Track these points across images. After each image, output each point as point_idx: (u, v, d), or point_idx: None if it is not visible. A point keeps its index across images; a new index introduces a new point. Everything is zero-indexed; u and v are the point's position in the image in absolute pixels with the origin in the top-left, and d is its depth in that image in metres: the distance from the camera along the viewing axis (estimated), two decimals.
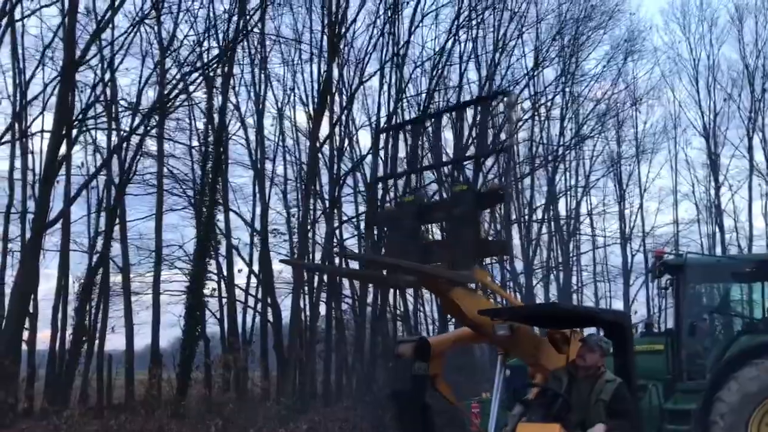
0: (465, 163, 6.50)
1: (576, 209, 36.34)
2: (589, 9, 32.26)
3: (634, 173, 38.37)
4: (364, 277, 8.91)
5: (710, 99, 37.41)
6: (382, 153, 22.75)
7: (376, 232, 6.47)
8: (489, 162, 19.83)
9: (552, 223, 34.53)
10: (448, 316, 20.75)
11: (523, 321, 6.45)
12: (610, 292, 39.16)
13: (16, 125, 21.20)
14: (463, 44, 28.13)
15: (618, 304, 37.31)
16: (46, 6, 20.61)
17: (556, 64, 32.54)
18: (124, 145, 21.32)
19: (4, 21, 18.92)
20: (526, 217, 33.52)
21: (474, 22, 27.88)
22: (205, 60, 22.15)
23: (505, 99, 6.02)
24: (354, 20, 25.28)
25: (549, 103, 33.02)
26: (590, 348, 6.17)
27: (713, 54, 37.70)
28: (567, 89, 33.27)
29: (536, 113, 32.31)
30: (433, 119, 6.49)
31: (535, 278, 33.74)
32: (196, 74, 22.14)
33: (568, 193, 36.05)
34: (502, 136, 5.98)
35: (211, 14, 22.71)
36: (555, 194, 34.37)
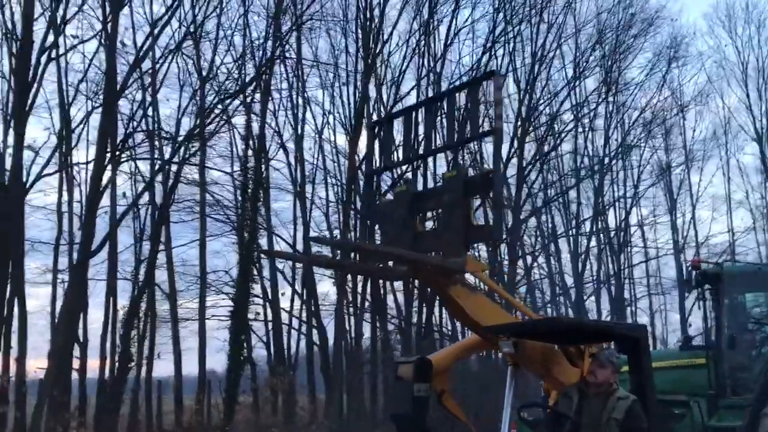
0: (457, 147, 6.25)
1: (625, 220, 35.46)
2: (629, 17, 31.69)
3: (684, 182, 37.39)
4: (349, 268, 8.65)
5: (762, 102, 36.28)
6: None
7: (373, 225, 6.23)
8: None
9: (601, 235, 33.75)
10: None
11: (529, 337, 6.21)
12: (665, 305, 38.09)
13: (62, 157, 21.77)
14: (499, 58, 28.06)
15: (674, 317, 36.23)
16: (86, 41, 21.18)
17: (597, 74, 32.05)
18: (166, 172, 21.70)
19: (44, 57, 19.45)
20: (574, 230, 32.85)
21: (510, 35, 27.74)
22: (243, 85, 22.43)
23: (493, 80, 5.76)
24: (389, 39, 25.48)
25: (591, 114, 32.46)
26: (601, 364, 5.85)
27: (762, 56, 36.60)
28: (610, 98, 32.62)
29: (579, 124, 31.82)
30: (423, 108, 6.26)
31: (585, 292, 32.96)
32: (234, 100, 22.52)
33: (617, 204, 35.21)
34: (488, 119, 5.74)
35: (247, 40, 23.15)
36: (602, 206, 33.60)
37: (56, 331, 18.19)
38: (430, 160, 14.90)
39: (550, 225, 34.61)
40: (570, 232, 33.31)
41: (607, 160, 33.19)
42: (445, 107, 6.06)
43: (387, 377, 25.15)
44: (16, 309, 19.09)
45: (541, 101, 30.55)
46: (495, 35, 27.03)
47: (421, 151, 6.30)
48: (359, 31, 25.06)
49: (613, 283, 34.08)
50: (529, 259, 32.06)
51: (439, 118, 6.22)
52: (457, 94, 6.02)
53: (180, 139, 21.41)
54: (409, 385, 6.10)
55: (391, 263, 6.19)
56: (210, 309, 24.12)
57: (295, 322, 26.04)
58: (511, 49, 28.33)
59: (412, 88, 26.45)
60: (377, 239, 6.43)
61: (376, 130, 6.55)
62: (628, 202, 35.43)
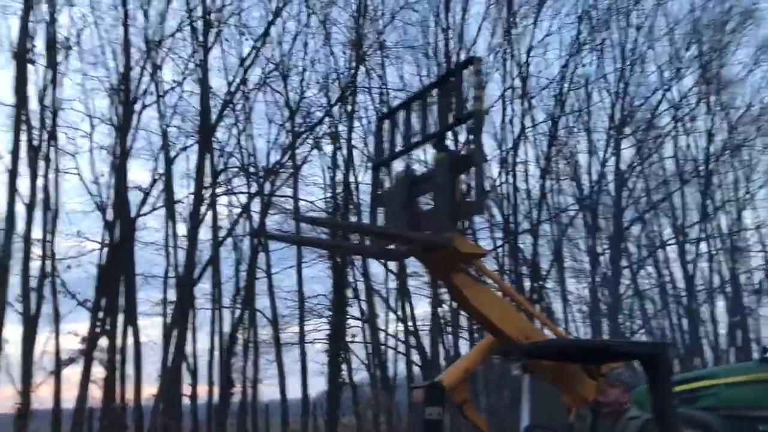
0: (447, 132, 6.34)
1: (738, 223, 33.47)
2: (725, 12, 30.18)
3: None
4: (346, 249, 8.65)
5: None
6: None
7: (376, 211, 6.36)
8: None
9: (709, 240, 32.03)
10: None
11: (547, 358, 6.01)
12: None
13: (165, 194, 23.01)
14: (587, 65, 27.51)
15: None
16: (180, 83, 22.35)
17: (694, 73, 30.67)
18: (261, 202, 22.48)
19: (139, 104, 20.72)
20: (681, 237, 31.35)
21: (596, 42, 27.15)
22: (328, 109, 23.09)
23: (472, 66, 5.80)
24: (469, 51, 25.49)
25: (691, 115, 31.02)
26: (611, 383, 5.65)
27: None
28: (711, 97, 31.07)
29: (678, 125, 30.49)
30: (419, 99, 6.38)
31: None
32: (321, 126, 23.19)
33: (726, 207, 33.32)
34: (471, 103, 5.72)
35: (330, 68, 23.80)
36: (709, 210, 31.92)
37: (164, 359, 19.09)
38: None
39: (657, 232, 33.29)
40: (678, 238, 31.79)
41: (712, 161, 31.49)
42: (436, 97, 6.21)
43: (489, 394, 24.83)
44: (130, 339, 20.33)
45: (635, 104, 29.55)
46: (580, 43, 26.41)
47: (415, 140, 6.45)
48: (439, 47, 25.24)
49: (728, 290, 32.16)
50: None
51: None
52: (445, 83, 6.13)
53: (272, 168, 22.11)
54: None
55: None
56: (312, 333, 24.69)
57: (395, 343, 26.09)
58: (598, 55, 27.58)
59: (497, 100, 26.35)
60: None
61: (383, 123, 6.71)
62: (741, 203, 33.46)
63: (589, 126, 29.36)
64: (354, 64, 22.70)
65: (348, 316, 23.52)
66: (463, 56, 25.31)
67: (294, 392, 24.22)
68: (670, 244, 32.71)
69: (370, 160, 25.69)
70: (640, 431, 5.46)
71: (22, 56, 18.75)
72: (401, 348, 25.56)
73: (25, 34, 18.97)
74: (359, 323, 24.77)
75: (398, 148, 6.46)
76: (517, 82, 26.82)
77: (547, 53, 33.22)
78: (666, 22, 29.99)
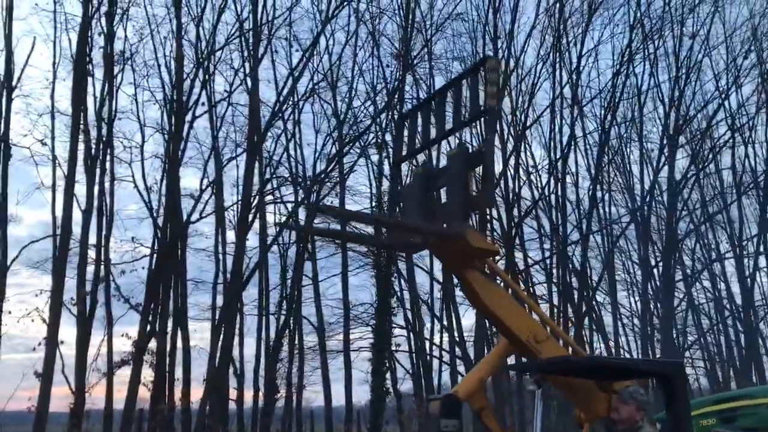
0: (461, 129, 6.54)
1: None
2: None
3: None
4: (369, 241, 8.89)
5: None
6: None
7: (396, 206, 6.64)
8: None
9: None
10: None
11: (562, 374, 5.96)
12: None
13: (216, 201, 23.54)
14: (638, 76, 27.12)
15: None
16: (230, 93, 22.89)
17: (753, 81, 29.83)
18: (306, 210, 22.81)
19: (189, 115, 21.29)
20: (738, 249, 30.43)
21: (649, 50, 26.71)
22: (375, 115, 23.30)
23: (487, 64, 5.88)
24: (518, 61, 25.42)
25: (751, 123, 30.16)
26: (623, 400, 5.57)
27: None
28: None
29: (736, 134, 29.66)
30: (436, 99, 6.53)
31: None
32: (368, 134, 23.42)
33: None
34: (486, 100, 5.80)
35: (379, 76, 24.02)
36: None
37: (211, 363, 19.48)
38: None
39: (713, 244, 32.43)
40: (736, 251, 30.87)
41: None
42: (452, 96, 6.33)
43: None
44: (179, 343, 20.84)
45: (691, 112, 28.90)
46: (632, 50, 26.00)
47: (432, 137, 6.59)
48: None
49: None
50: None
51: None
52: (462, 82, 6.26)
53: (318, 177, 22.41)
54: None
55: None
56: (357, 341, 24.85)
57: (440, 352, 26.04)
58: (651, 63, 27.10)
59: (546, 109, 26.21)
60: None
61: (405, 121, 6.89)
62: None
63: (642, 135, 28.87)
64: (400, 74, 22.81)
65: (393, 325, 23.63)
66: (512, 65, 25.27)
67: (338, 399, 24.48)
68: (727, 258, 31.85)
69: (415, 167, 25.86)
70: None
71: (80, 68, 19.48)
72: (446, 358, 25.53)
73: (83, 47, 19.70)
74: (404, 332, 24.90)
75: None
76: (567, 91, 26.64)
77: (599, 62, 32.95)
78: (723, 30, 29.32)
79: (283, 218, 22.98)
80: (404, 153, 6.84)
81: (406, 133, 6.86)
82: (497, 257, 24.76)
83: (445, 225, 5.76)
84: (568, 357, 6.11)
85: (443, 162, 6.59)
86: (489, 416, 6.37)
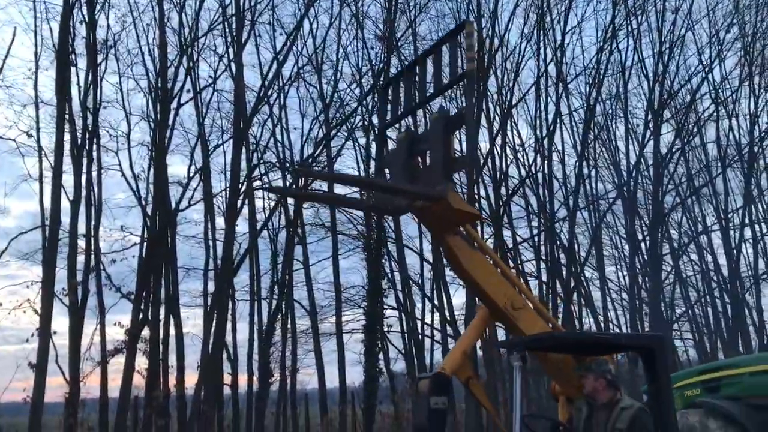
0: (442, 94, 6.80)
1: None
2: None
3: None
4: (353, 204, 9.21)
5: None
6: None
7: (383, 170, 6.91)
8: None
9: (754, 226, 31.35)
10: None
11: (541, 350, 6.13)
12: None
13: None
14: (623, 52, 27.22)
15: None
16: (215, 80, 22.85)
17: (736, 54, 30.02)
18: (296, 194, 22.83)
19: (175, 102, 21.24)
20: (723, 222, 30.77)
21: (633, 26, 26.82)
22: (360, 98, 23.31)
23: (465, 29, 6.08)
24: (502, 39, 25.49)
25: (734, 96, 30.39)
26: (592, 374, 5.82)
27: None
28: (754, 79, 30.35)
29: (719, 108, 29.89)
30: (417, 65, 6.73)
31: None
32: (355, 117, 23.46)
33: None
34: (465, 64, 6.01)
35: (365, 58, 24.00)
36: (753, 195, 31.23)
37: (205, 349, 19.61)
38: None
39: (700, 217, 32.79)
40: (721, 223, 31.22)
41: (756, 144, 30.80)
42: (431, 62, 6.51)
43: (530, 381, 24.86)
44: (172, 330, 20.96)
45: (675, 87, 29.09)
46: (615, 26, 26.09)
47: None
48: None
49: None
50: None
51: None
52: (442, 48, 6.44)
53: (305, 161, 22.44)
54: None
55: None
56: (349, 323, 25.05)
57: (432, 332, 26.30)
58: (635, 39, 27.21)
59: (531, 87, 26.33)
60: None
61: (388, 89, 7.07)
62: None
63: (627, 110, 29.05)
64: (385, 55, 22.83)
65: (385, 306, 23.84)
66: (496, 43, 25.30)
67: (332, 381, 24.73)
68: (713, 230, 32.23)
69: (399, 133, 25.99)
70: (632, 420, 5.56)
71: (63, 58, 19.36)
72: (438, 337, 25.78)
73: (65, 36, 19.57)
74: (396, 313, 25.10)
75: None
76: (552, 69, 26.74)
77: (582, 39, 33.02)
78: (706, 3, 29.44)
79: (272, 204, 23.04)
80: (388, 120, 7.03)
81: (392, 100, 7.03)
82: (481, 223, 25.10)
83: (427, 185, 5.91)
84: (552, 333, 6.27)
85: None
86: (476, 385, 6.57)
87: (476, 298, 7.25)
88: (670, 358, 6.01)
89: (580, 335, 7.62)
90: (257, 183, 22.76)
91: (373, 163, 23.26)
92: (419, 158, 6.25)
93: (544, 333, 6.12)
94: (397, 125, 7.31)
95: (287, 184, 22.93)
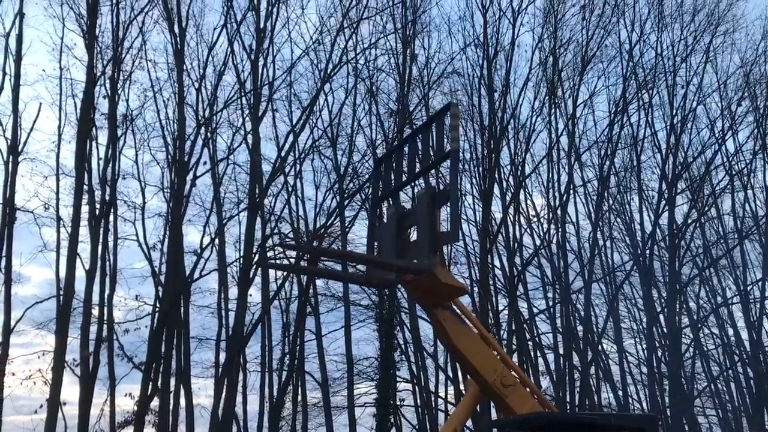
0: (428, 171, 7.04)
1: None
2: None
3: None
4: (343, 277, 9.42)
5: None
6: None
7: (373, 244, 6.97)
8: None
9: None
10: None
11: (531, 430, 6.06)
12: None
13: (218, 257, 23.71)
14: (634, 125, 27.57)
15: None
16: (231, 153, 23.32)
17: (749, 127, 30.18)
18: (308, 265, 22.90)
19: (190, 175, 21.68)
20: (743, 294, 30.26)
21: (643, 100, 27.20)
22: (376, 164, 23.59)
23: (450, 111, 6.32)
24: (513, 113, 25.86)
25: (749, 168, 30.38)
26: None
27: None
28: None
29: (734, 180, 29.84)
30: (407, 145, 6.99)
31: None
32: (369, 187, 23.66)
33: None
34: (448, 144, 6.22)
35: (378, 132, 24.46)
36: None
37: (214, 420, 19.37)
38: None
39: (719, 289, 32.28)
40: (741, 295, 30.69)
41: None
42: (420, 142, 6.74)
43: None
44: (183, 401, 20.76)
45: (689, 159, 29.20)
46: (626, 100, 26.45)
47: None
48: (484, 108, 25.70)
49: None
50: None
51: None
52: (430, 128, 6.68)
53: (318, 231, 22.61)
54: None
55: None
56: (362, 397, 24.65)
57: (446, 406, 25.74)
58: (646, 112, 27.53)
59: (543, 158, 26.56)
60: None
61: (381, 166, 7.28)
62: None
63: (641, 182, 29.11)
64: (397, 129, 23.22)
65: (398, 379, 23.47)
66: (507, 117, 25.68)
67: None
68: (733, 303, 31.66)
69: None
70: None
71: (84, 132, 19.95)
72: (447, 410, 25.24)
73: (87, 111, 20.22)
74: (409, 386, 24.67)
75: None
76: (564, 140, 27.02)
77: (594, 112, 33.45)
78: (716, 78, 29.82)
79: (285, 274, 23.08)
80: (380, 195, 7.25)
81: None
82: (496, 294, 24.82)
83: (415, 261, 6.01)
84: (543, 413, 6.19)
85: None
86: None
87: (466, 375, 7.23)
88: None
89: (571, 416, 7.51)
90: (271, 253, 22.89)
91: None
92: (407, 232, 6.39)
93: (535, 413, 6.07)
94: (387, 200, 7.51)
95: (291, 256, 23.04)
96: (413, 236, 6.46)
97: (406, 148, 7.01)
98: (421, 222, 6.10)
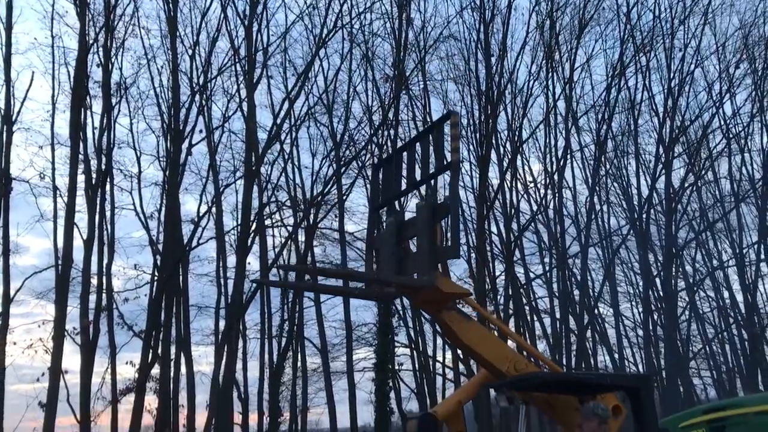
0: (428, 182, 6.98)
1: None
2: None
3: None
4: (343, 292, 9.44)
5: None
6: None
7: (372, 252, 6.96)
8: None
9: None
10: None
11: (530, 390, 6.14)
12: None
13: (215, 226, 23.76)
14: (632, 89, 27.41)
15: None
16: (227, 120, 23.23)
17: (747, 90, 30.06)
18: (305, 233, 22.99)
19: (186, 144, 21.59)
20: (739, 257, 30.44)
21: (641, 63, 27.00)
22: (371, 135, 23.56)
23: (450, 119, 6.24)
24: (510, 77, 25.69)
25: (746, 131, 30.31)
26: (586, 417, 5.80)
27: None
28: (766, 113, 30.27)
29: (731, 143, 29.81)
30: (406, 151, 6.90)
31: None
32: (366, 154, 23.66)
33: None
34: (449, 154, 6.15)
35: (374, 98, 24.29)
36: None
37: (214, 387, 19.56)
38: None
39: (715, 252, 32.49)
40: (737, 258, 30.88)
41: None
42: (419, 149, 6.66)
43: (540, 417, 24.47)
44: (183, 368, 20.97)
45: (686, 122, 29.10)
46: (624, 63, 26.24)
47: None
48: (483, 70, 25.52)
49: None
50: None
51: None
52: (429, 136, 6.59)
53: (315, 199, 22.62)
54: None
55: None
56: (361, 362, 24.94)
57: (445, 371, 26.07)
58: (644, 75, 27.36)
59: (540, 123, 26.48)
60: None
61: (380, 170, 7.22)
62: None
63: (638, 146, 29.07)
64: (393, 95, 23.09)
65: (396, 344, 23.71)
66: (504, 82, 25.51)
67: (343, 422, 24.52)
68: (729, 266, 31.87)
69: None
70: None
71: (78, 101, 19.78)
72: (450, 375, 25.53)
73: (81, 79, 20.02)
74: (407, 351, 24.94)
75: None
76: (561, 104, 26.89)
77: (592, 75, 33.31)
78: (714, 40, 29.59)
79: (283, 240, 23.17)
80: (380, 200, 7.19)
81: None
82: (493, 260, 24.88)
83: (416, 274, 5.99)
84: (537, 373, 6.28)
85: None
86: None
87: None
88: (653, 397, 5.94)
89: (565, 376, 7.60)
90: (268, 221, 22.93)
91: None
92: (407, 242, 6.36)
93: (530, 373, 6.14)
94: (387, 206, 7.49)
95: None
96: (413, 245, 6.41)
97: (404, 155, 6.90)
98: (421, 235, 6.04)
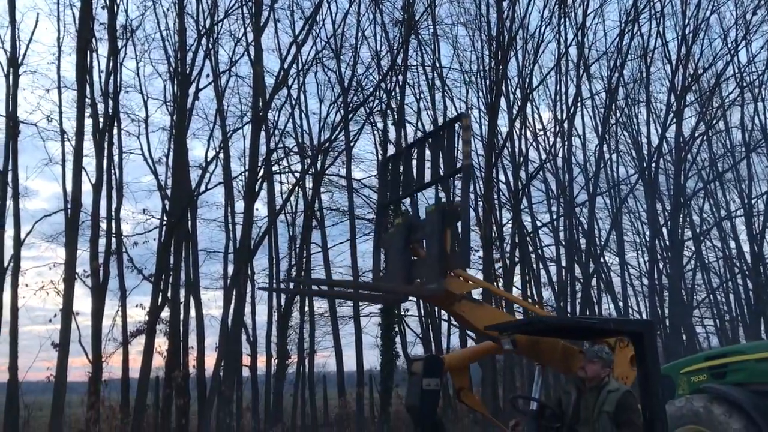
0: (436, 184, 6.84)
1: None
2: None
3: None
4: (351, 297, 9.58)
5: None
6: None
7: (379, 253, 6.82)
8: None
9: None
10: None
11: (533, 334, 6.22)
12: None
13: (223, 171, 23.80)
14: (645, 36, 26.90)
15: None
16: (234, 64, 23.01)
17: (763, 37, 29.49)
18: (312, 179, 23.03)
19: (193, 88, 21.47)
20: (747, 207, 30.36)
21: (655, 8, 26.45)
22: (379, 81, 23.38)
23: (461, 122, 6.05)
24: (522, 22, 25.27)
25: (760, 80, 29.84)
26: (590, 359, 5.88)
27: None
28: None
29: (746, 91, 29.38)
30: (415, 148, 6.76)
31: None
32: (373, 101, 23.49)
33: None
34: (460, 157, 6.03)
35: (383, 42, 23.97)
36: None
37: (223, 329, 19.87)
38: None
39: (723, 203, 32.40)
40: (746, 208, 30.80)
41: None
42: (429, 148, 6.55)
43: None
44: (193, 311, 21.30)
45: (699, 70, 28.67)
46: (638, 9, 25.74)
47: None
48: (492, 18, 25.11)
49: None
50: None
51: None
52: (440, 134, 6.46)
53: (323, 145, 22.56)
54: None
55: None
56: (368, 307, 25.21)
57: (450, 317, 26.31)
58: (658, 22, 26.83)
59: (551, 69, 26.14)
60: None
61: (388, 166, 7.11)
62: None
63: (649, 94, 28.73)
64: (402, 39, 22.77)
65: None
66: (515, 27, 25.08)
67: (350, 365, 24.96)
68: (737, 216, 31.83)
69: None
70: (619, 403, 5.67)
71: (83, 43, 19.59)
72: (450, 320, 25.83)
73: (86, 21, 19.78)
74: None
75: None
76: (573, 51, 26.49)
77: (605, 21, 32.69)
78: None
79: (290, 187, 23.21)
80: (388, 198, 7.08)
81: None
82: (500, 207, 24.80)
83: (423, 280, 5.98)
84: (541, 317, 6.36)
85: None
86: (468, 395, 6.70)
87: None
88: (656, 343, 5.98)
89: (568, 320, 7.69)
90: (276, 167, 22.93)
91: (390, 147, 23.33)
92: (416, 244, 6.28)
93: (533, 317, 6.22)
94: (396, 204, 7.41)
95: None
96: (422, 249, 6.33)
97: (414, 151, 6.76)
98: (431, 240, 5.94)
